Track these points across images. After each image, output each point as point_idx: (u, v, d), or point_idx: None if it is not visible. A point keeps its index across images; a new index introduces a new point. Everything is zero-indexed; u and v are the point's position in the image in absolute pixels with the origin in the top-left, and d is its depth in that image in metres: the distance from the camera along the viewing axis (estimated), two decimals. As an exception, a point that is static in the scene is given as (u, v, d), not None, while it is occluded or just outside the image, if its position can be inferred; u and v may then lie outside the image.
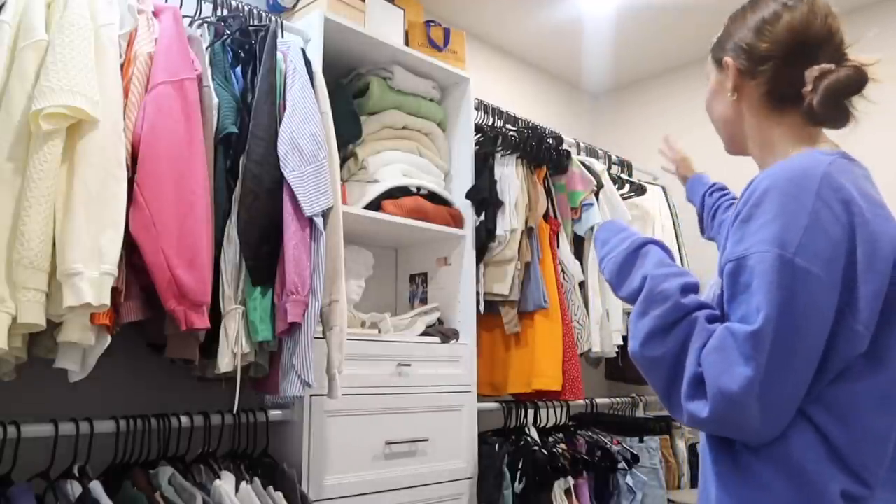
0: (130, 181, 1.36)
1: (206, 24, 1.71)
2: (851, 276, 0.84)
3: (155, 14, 1.54)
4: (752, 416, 0.82)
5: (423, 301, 2.40)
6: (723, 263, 0.90)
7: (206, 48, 1.62)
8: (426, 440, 2.00)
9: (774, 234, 0.84)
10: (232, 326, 1.49)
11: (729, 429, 0.86)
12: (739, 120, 1.05)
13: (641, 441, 2.55)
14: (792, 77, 0.97)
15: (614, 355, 2.67)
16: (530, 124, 2.56)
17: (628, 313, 2.80)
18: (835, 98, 0.94)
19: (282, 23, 1.81)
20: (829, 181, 0.86)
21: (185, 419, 1.57)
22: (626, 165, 3.12)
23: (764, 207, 0.86)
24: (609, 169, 2.89)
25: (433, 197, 2.23)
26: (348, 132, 2.07)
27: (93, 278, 1.24)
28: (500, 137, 2.43)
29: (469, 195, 2.30)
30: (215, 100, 1.56)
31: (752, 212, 0.87)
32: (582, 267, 2.56)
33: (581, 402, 2.52)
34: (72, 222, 1.25)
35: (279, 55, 1.69)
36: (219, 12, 1.74)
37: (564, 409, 2.55)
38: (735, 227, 0.89)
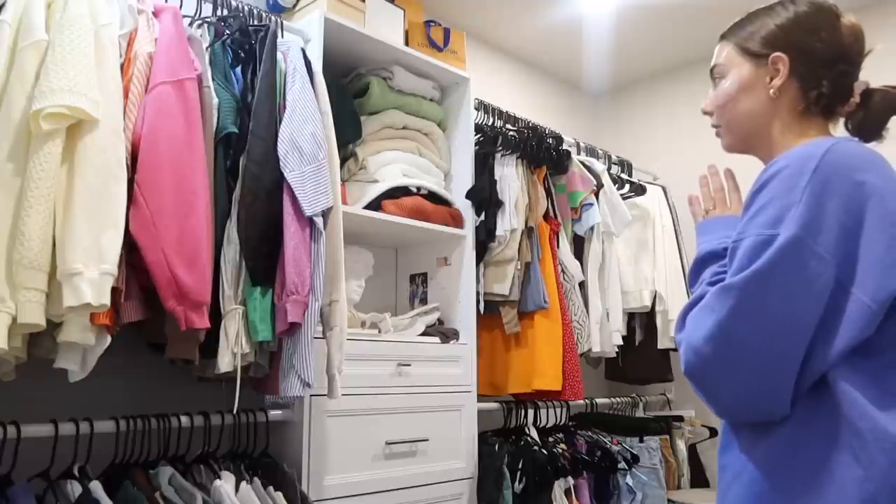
0: (130, 181, 1.36)
1: (206, 24, 1.71)
2: (851, 249, 0.83)
3: (155, 14, 1.54)
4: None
5: (423, 301, 2.40)
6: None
7: (206, 48, 1.62)
8: (426, 440, 2.00)
9: (763, 220, 0.86)
10: (232, 326, 1.49)
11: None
12: (770, 118, 1.00)
13: (641, 441, 2.55)
14: (847, 86, 0.98)
15: (614, 355, 2.68)
16: (530, 124, 2.56)
17: (628, 313, 2.82)
18: (887, 116, 0.97)
19: (282, 23, 1.81)
20: (831, 158, 0.85)
21: (185, 419, 1.57)
22: (626, 165, 3.12)
23: (760, 195, 0.88)
24: (609, 169, 2.89)
25: (433, 197, 2.22)
26: (348, 132, 2.07)
27: (93, 278, 1.24)
28: (500, 137, 2.43)
29: (469, 195, 2.30)
30: (215, 100, 1.56)
31: (750, 199, 0.90)
32: (582, 267, 2.56)
33: (581, 402, 2.52)
34: (72, 222, 1.25)
35: (279, 55, 1.69)
36: (219, 12, 1.73)
37: (564, 409, 2.55)
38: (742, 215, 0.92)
